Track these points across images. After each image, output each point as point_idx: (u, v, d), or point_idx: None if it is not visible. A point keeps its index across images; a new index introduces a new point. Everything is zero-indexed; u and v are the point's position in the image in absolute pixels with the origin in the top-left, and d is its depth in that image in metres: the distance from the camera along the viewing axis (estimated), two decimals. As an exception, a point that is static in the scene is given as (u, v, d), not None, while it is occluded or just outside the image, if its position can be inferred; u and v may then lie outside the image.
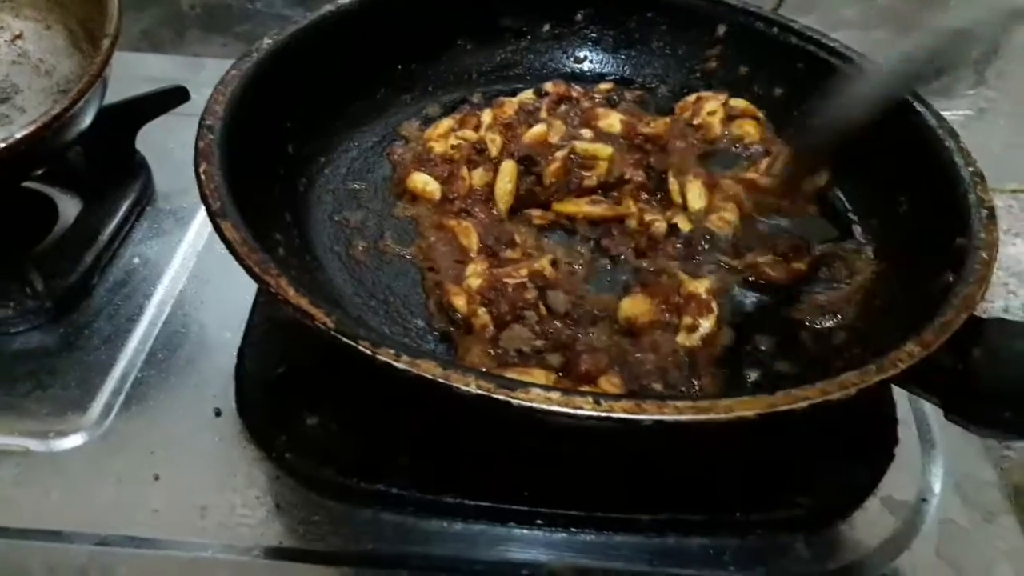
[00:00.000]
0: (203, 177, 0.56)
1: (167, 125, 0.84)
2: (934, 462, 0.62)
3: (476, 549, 0.56)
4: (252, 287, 0.68)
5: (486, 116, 0.76)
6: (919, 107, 0.66)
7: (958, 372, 0.49)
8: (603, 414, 0.43)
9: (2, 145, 0.64)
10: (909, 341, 0.48)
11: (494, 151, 0.72)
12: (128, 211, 0.78)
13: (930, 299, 0.53)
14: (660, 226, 0.68)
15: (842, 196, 0.73)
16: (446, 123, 0.76)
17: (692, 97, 0.79)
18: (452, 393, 0.45)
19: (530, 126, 0.74)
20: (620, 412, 0.43)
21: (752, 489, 0.58)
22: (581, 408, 0.43)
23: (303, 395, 0.62)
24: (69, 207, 0.78)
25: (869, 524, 0.58)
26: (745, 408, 0.43)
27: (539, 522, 0.57)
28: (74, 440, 0.61)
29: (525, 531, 0.57)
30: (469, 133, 0.74)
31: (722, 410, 0.43)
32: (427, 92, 0.82)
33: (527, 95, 0.80)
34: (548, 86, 0.81)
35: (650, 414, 0.43)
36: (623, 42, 0.85)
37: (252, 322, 0.67)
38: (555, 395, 0.44)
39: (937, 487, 0.61)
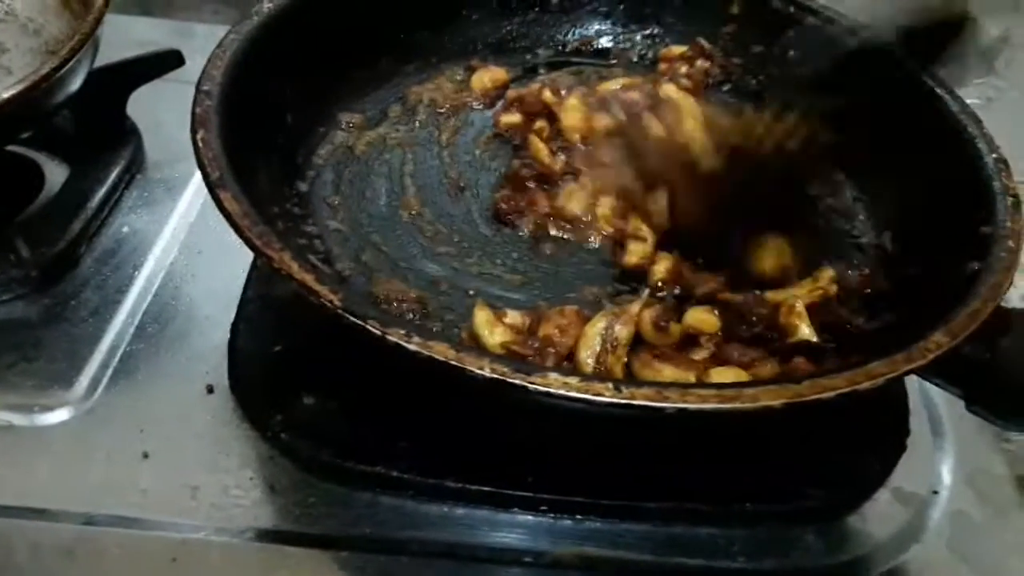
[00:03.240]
0: (200, 145, 0.54)
1: (158, 92, 0.81)
2: (946, 454, 0.61)
3: (478, 535, 0.54)
4: (246, 261, 0.67)
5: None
6: (941, 92, 0.65)
7: (983, 363, 0.48)
8: (624, 401, 0.41)
9: (-12, 104, 0.61)
10: (937, 331, 0.46)
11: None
12: (117, 179, 0.76)
13: (954, 289, 0.51)
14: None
15: (861, 184, 0.71)
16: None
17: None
18: (465, 376, 0.43)
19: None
20: (641, 399, 0.41)
21: (762, 479, 0.57)
22: (601, 395, 0.41)
23: (300, 373, 0.60)
24: (56, 173, 0.75)
25: (880, 516, 0.57)
26: (771, 397, 0.42)
27: (543, 508, 0.55)
28: (60, 415, 0.59)
29: (529, 517, 0.55)
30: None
31: (748, 399, 0.42)
32: (430, 63, 0.80)
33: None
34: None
35: (673, 402, 0.41)
36: (634, 16, 0.83)
37: (246, 296, 0.65)
38: (574, 380, 0.42)
39: (948, 479, 0.60)
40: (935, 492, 0.59)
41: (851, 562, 0.55)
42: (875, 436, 0.61)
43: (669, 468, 0.56)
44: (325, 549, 0.53)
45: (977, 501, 0.59)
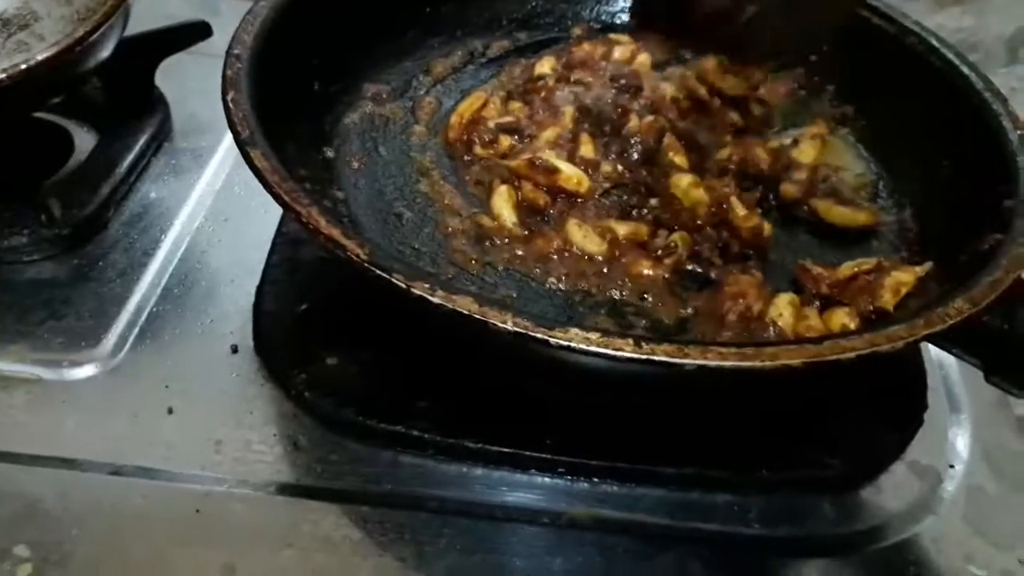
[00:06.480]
0: (231, 105, 0.55)
1: (185, 63, 0.82)
2: (962, 429, 0.61)
3: (496, 494, 0.55)
4: (271, 227, 0.68)
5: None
6: (965, 70, 0.65)
7: (1003, 333, 0.48)
8: (643, 356, 0.42)
9: (23, 67, 0.62)
10: (958, 298, 0.46)
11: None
12: (145, 146, 0.77)
13: (974, 261, 0.51)
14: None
15: (879, 158, 0.71)
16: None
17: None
18: (488, 330, 0.43)
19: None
20: (661, 355, 0.42)
21: (779, 448, 0.57)
22: (621, 350, 0.42)
23: (323, 334, 0.61)
24: (85, 140, 0.76)
25: (896, 487, 0.57)
26: (791, 356, 0.42)
27: (561, 470, 0.56)
28: (87, 370, 0.60)
29: (547, 479, 0.56)
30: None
31: (767, 357, 0.42)
32: (455, 37, 0.80)
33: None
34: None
35: (693, 359, 0.42)
36: (659, -7, 0.83)
37: (271, 261, 0.66)
38: (594, 335, 0.42)
39: (965, 454, 0.60)
40: (951, 466, 0.59)
41: (865, 532, 0.55)
42: (893, 409, 0.61)
43: (686, 433, 0.57)
44: (346, 504, 0.54)
45: (994, 477, 0.59)
